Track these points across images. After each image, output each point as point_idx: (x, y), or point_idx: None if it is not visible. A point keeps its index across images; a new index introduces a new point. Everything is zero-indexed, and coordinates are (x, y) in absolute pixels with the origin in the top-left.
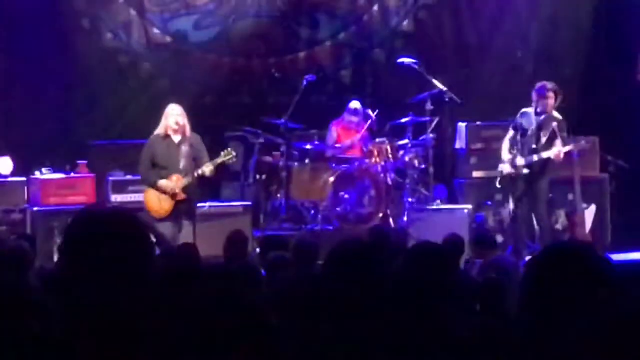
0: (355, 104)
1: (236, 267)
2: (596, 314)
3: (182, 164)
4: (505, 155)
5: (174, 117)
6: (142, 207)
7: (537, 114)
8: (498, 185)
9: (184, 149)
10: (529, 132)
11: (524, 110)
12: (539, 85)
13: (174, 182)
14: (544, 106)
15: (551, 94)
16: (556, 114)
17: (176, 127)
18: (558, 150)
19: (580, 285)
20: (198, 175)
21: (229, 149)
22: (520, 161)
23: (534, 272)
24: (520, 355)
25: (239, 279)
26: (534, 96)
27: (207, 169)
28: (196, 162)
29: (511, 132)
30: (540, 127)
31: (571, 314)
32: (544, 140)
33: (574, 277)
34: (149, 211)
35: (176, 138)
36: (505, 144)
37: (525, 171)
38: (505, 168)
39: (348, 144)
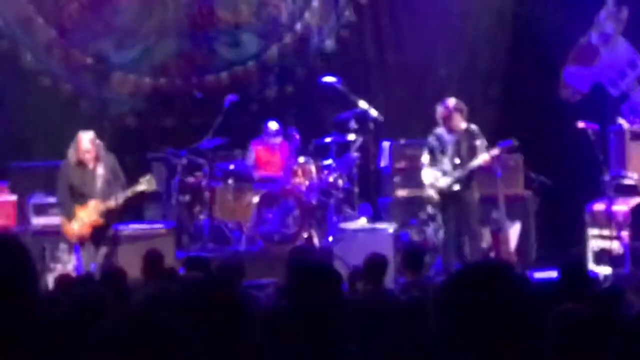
0: (272, 125)
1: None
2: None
3: (99, 187)
4: (429, 180)
5: (83, 148)
6: None
7: (449, 131)
8: (430, 211)
9: (99, 172)
10: (449, 150)
11: (434, 131)
12: (441, 105)
13: (91, 209)
14: (452, 124)
15: (456, 113)
16: (468, 125)
17: (87, 157)
18: (483, 157)
19: (495, 305)
20: (114, 202)
21: (149, 177)
22: (444, 181)
23: (448, 293)
24: None
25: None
26: (441, 116)
27: (121, 199)
28: (113, 184)
29: (428, 157)
30: (458, 143)
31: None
32: (464, 153)
33: (489, 297)
34: (67, 235)
35: (89, 163)
36: (426, 172)
37: (455, 188)
38: (433, 192)
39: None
